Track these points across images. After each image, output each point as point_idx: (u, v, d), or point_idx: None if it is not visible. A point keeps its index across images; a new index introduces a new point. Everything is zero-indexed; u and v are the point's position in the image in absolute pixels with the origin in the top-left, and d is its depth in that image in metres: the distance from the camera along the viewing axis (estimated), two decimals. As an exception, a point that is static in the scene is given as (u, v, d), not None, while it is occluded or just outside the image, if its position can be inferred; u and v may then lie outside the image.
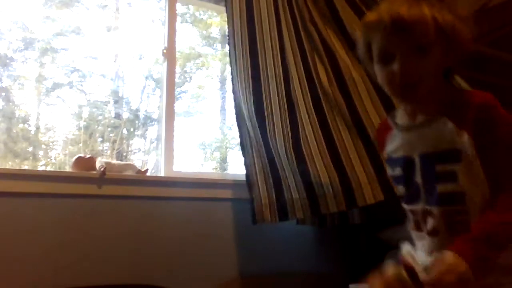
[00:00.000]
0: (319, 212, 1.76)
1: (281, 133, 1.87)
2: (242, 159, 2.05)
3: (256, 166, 1.98)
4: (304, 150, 1.78)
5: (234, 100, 2.13)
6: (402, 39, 0.83)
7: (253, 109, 1.98)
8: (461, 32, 0.86)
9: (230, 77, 2.17)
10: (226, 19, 2.19)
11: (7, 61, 2.15)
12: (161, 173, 2.18)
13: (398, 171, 0.97)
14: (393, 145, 0.98)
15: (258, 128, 1.96)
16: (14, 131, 2.16)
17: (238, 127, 2.10)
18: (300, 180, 1.78)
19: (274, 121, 1.90)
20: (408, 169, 0.93)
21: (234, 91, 2.14)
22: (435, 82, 0.88)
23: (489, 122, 0.84)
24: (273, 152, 1.91)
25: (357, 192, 1.64)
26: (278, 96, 1.92)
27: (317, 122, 1.79)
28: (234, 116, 2.12)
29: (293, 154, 1.81)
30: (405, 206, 0.98)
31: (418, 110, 0.93)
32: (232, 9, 2.14)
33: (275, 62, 1.96)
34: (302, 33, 1.92)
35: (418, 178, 0.91)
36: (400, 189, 0.98)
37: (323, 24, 1.88)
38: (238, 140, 2.11)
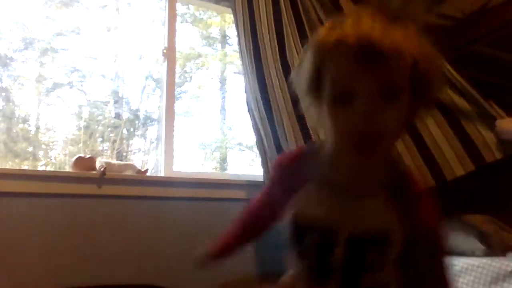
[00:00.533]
0: None
1: (291, 131, 1.87)
2: (259, 159, 2.06)
3: (270, 165, 1.99)
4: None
5: (247, 101, 2.14)
6: (370, 73, 0.61)
7: (263, 108, 1.99)
8: (437, 74, 0.66)
9: (243, 76, 2.19)
10: (226, 19, 2.20)
11: (7, 61, 2.15)
12: (161, 173, 2.18)
13: (306, 243, 0.72)
14: (307, 203, 0.73)
15: (268, 126, 1.97)
16: (14, 131, 2.16)
17: (253, 128, 2.11)
18: None
19: (284, 121, 1.90)
20: (323, 243, 0.70)
21: (246, 91, 2.16)
22: (394, 142, 0.69)
23: (430, 222, 0.72)
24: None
25: None
26: (282, 94, 1.93)
27: None
28: (250, 117, 2.13)
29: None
30: (300, 274, 0.75)
31: (361, 172, 0.71)
32: (235, 7, 2.15)
33: (275, 58, 1.97)
34: (308, 32, 1.92)
35: (337, 259, 0.70)
36: (303, 264, 0.73)
37: None
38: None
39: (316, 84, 0.67)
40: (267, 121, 1.98)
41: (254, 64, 2.05)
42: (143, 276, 1.86)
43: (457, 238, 1.63)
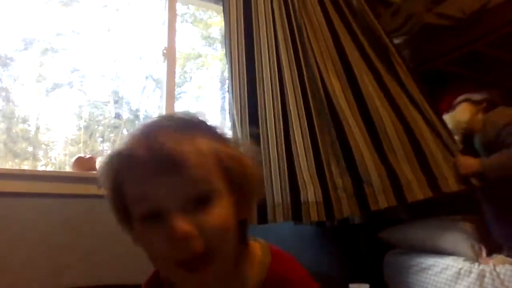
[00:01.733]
0: (300, 218, 1.78)
1: (275, 140, 1.86)
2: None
3: None
4: (293, 153, 1.80)
5: (229, 102, 2.12)
6: (173, 186, 0.55)
7: (246, 112, 1.97)
8: (253, 174, 0.62)
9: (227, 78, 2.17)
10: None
11: (7, 61, 2.16)
12: (161, 173, 2.18)
13: None
14: None
15: (248, 127, 1.96)
16: (14, 131, 2.16)
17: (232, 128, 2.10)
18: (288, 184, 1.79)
19: (268, 130, 1.89)
20: None
21: (229, 92, 2.15)
22: (232, 247, 0.60)
23: None
24: (265, 157, 1.89)
25: (335, 205, 1.69)
26: (273, 103, 1.92)
27: (307, 133, 1.80)
28: (230, 116, 2.12)
29: (284, 157, 1.82)
30: None
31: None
32: (229, 13, 2.13)
33: (272, 70, 1.95)
34: (299, 45, 1.92)
35: None
36: None
37: (317, 43, 1.89)
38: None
39: (121, 204, 0.61)
40: (248, 125, 1.96)
41: (245, 65, 2.00)
42: (143, 276, 1.86)
43: (454, 239, 1.63)
